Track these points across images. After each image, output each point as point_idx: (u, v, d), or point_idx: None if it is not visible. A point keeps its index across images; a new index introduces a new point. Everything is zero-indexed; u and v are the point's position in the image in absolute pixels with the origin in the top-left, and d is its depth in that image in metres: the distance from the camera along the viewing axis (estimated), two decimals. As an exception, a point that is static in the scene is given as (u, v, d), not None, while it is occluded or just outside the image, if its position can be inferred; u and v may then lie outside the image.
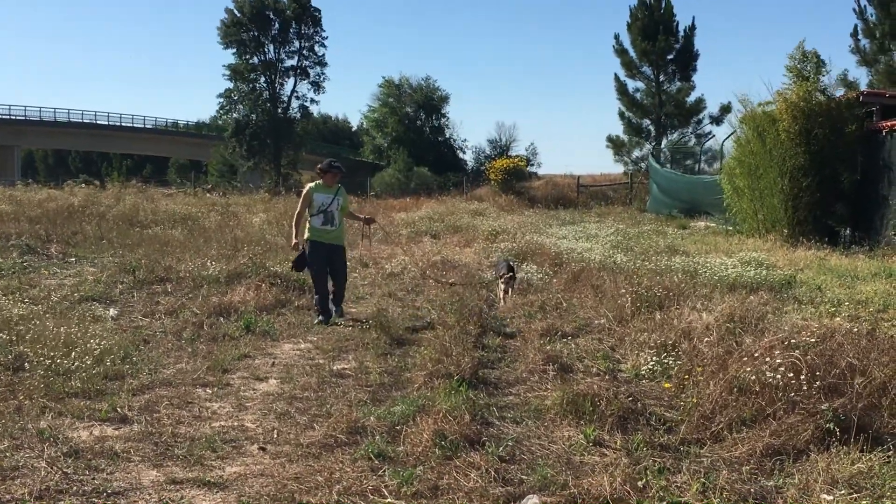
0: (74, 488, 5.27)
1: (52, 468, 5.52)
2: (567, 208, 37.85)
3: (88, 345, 8.54)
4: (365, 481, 5.39)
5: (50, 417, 6.69)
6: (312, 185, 11.76)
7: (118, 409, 6.94)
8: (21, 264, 15.67)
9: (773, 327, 8.74)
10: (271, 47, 66.60)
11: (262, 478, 5.56)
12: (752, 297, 11.04)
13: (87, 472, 5.57)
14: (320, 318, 11.19)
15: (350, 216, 12.51)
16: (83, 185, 40.18)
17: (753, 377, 6.55)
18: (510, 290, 12.79)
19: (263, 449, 6.19)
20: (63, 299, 11.85)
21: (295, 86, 67.87)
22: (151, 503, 5.12)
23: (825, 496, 4.91)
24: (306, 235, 11.53)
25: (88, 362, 8.00)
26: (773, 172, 20.56)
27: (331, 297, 11.63)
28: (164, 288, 13.24)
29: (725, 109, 49.16)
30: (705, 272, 13.81)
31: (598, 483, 5.16)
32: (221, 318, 10.91)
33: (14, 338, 8.80)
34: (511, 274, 12.96)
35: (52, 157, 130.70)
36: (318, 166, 11.83)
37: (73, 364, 7.91)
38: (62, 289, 12.86)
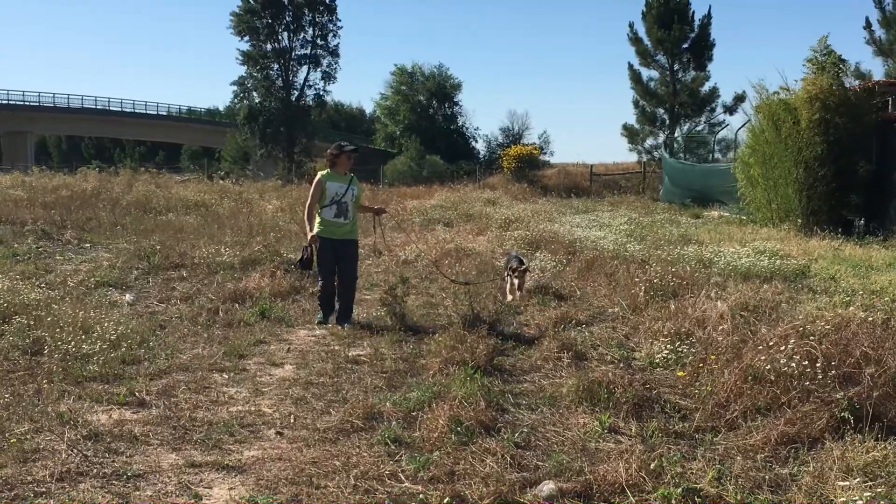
0: (94, 471, 5.33)
1: (72, 451, 5.59)
2: (580, 197, 37.80)
3: (105, 330, 8.60)
4: (382, 466, 5.44)
5: (69, 401, 6.76)
6: (324, 172, 10.48)
7: (136, 394, 7.02)
8: (36, 250, 15.77)
9: (787, 317, 8.75)
10: (285, 35, 66.50)
11: (279, 462, 5.61)
12: (765, 286, 11.04)
13: (107, 455, 5.63)
14: (321, 315, 10.44)
15: (362, 209, 11.08)
16: (96, 170, 40.33)
17: (768, 366, 6.57)
18: (522, 285, 11.97)
19: (281, 433, 6.25)
20: (79, 284, 11.93)
21: (308, 74, 67.80)
22: (171, 486, 5.17)
23: (840, 482, 4.93)
24: (317, 229, 10.29)
25: (106, 347, 8.08)
26: (788, 161, 20.50)
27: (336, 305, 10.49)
28: (179, 274, 13.31)
29: (739, 99, 48.93)
30: (719, 261, 13.80)
31: (614, 469, 5.19)
32: (237, 305, 10.96)
33: (32, 322, 8.88)
34: (525, 267, 12.09)
35: (65, 143, 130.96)
36: (329, 150, 10.69)
37: (90, 349, 7.99)
38: (78, 274, 12.94)
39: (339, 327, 10.05)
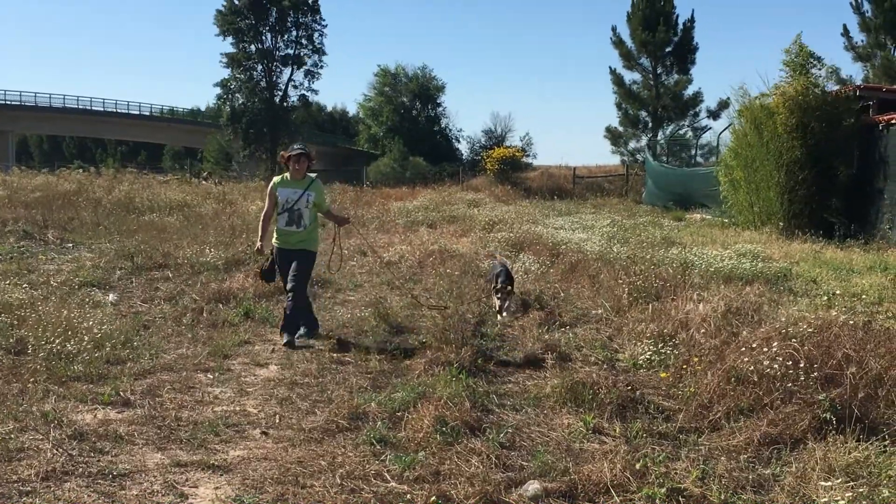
0: (80, 470, 5.33)
1: (57, 450, 5.59)
2: (563, 199, 37.82)
3: (89, 330, 8.57)
4: (367, 466, 5.47)
5: (53, 400, 6.76)
6: (277, 178, 9.77)
7: (121, 393, 7.02)
8: (18, 249, 15.71)
9: (769, 319, 8.81)
10: (268, 36, 66.41)
11: (265, 461, 5.63)
12: (748, 288, 11.11)
13: (93, 455, 5.63)
14: (286, 335, 9.33)
15: (326, 215, 10.22)
16: (79, 170, 40.17)
17: (751, 367, 6.62)
18: (508, 303, 10.92)
19: (266, 433, 6.27)
20: (62, 284, 11.89)
21: (292, 74, 67.71)
22: (157, 485, 5.18)
23: (823, 483, 4.98)
24: (273, 240, 9.70)
25: (90, 347, 8.06)
26: (770, 165, 20.63)
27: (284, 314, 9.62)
28: (162, 274, 13.28)
29: (723, 105, 49.24)
30: (701, 264, 13.86)
31: (599, 469, 5.23)
32: (220, 305, 10.95)
33: (15, 322, 8.87)
34: (508, 287, 10.95)
35: (46, 142, 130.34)
36: (281, 153, 9.95)
37: (74, 348, 7.96)
38: (61, 274, 12.90)
39: (295, 338, 9.37)
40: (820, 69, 21.38)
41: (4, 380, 7.24)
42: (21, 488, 5.01)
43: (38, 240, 17.58)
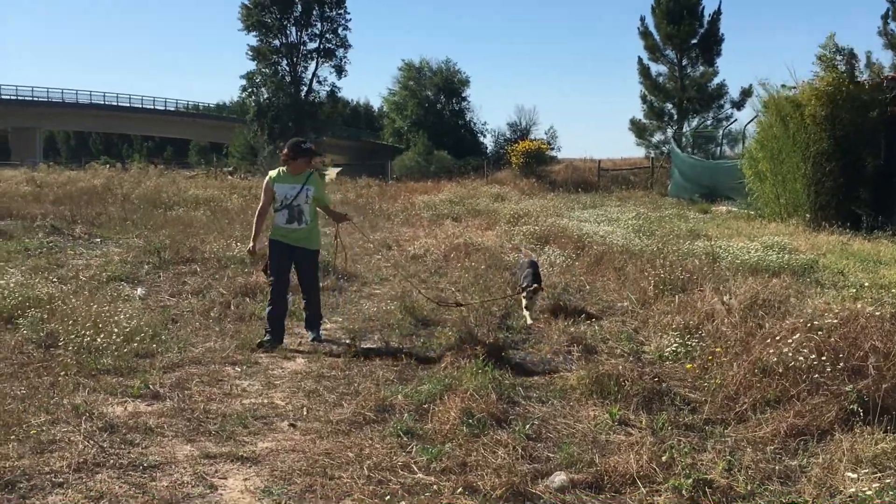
0: (111, 461, 5.39)
1: (88, 442, 5.65)
2: (588, 192, 37.76)
3: (118, 323, 8.65)
4: (394, 457, 5.50)
5: (84, 393, 6.82)
6: (273, 173, 9.27)
7: (150, 386, 7.08)
8: (47, 244, 15.84)
9: (795, 310, 8.78)
10: (293, 30, 66.60)
11: (293, 453, 5.67)
12: (774, 280, 11.06)
13: (123, 447, 5.69)
14: (267, 337, 8.93)
15: (325, 210, 9.52)
16: (106, 166, 40.46)
17: (777, 359, 6.61)
18: (532, 306, 10.36)
19: (294, 425, 6.31)
20: (91, 279, 11.98)
21: (317, 69, 67.91)
22: (186, 476, 5.23)
23: (850, 474, 4.97)
24: (270, 233, 9.23)
25: (119, 340, 8.13)
26: (796, 157, 20.53)
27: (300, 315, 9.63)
28: (189, 268, 13.35)
29: (747, 93, 49.13)
30: (727, 256, 13.82)
31: (625, 461, 5.24)
32: (247, 299, 11.01)
33: (46, 316, 8.95)
34: (536, 286, 10.34)
35: (73, 138, 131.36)
36: (284, 148, 9.35)
37: (104, 342, 8.04)
38: (89, 269, 13.01)
39: (310, 339, 9.19)
40: (841, 62, 21.26)
41: (36, 373, 7.33)
42: (54, 479, 5.07)
43: (67, 235, 17.72)
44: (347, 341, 9.04)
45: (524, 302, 10.33)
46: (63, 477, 5.11)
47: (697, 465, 5.26)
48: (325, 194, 9.59)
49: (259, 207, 9.26)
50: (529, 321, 10.05)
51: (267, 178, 9.27)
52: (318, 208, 9.33)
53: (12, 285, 9.79)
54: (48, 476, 5.12)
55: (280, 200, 8.99)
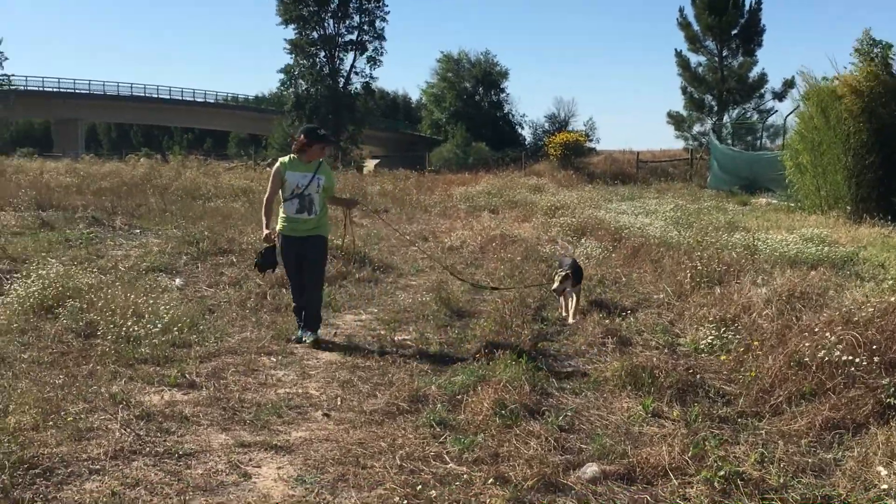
0: (147, 449, 5.46)
1: (125, 430, 5.73)
2: (626, 184, 37.66)
3: (156, 313, 8.76)
4: (427, 448, 5.52)
5: (122, 382, 6.91)
6: (285, 159, 8.84)
7: (186, 375, 7.15)
8: (88, 235, 16.00)
9: (833, 303, 8.70)
10: (331, 22, 66.76)
11: (326, 443, 5.72)
12: (812, 273, 10.97)
13: (159, 435, 5.77)
14: (300, 330, 8.82)
15: (333, 200, 9.26)
16: (146, 158, 40.80)
17: (813, 352, 6.56)
18: (573, 295, 9.87)
19: (328, 415, 6.36)
20: (130, 269, 12.11)
21: (354, 61, 68.07)
22: (221, 465, 5.29)
23: (881, 469, 4.93)
24: (278, 226, 8.81)
25: (157, 330, 8.22)
26: (837, 149, 20.34)
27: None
28: (227, 259, 13.44)
29: (789, 85, 48.65)
30: (765, 248, 13.72)
31: (657, 452, 5.23)
32: (284, 290, 11.03)
33: (85, 306, 9.05)
34: (577, 286, 9.91)
35: (114, 130, 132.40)
36: (298, 136, 8.92)
37: (142, 331, 8.14)
38: (128, 259, 13.15)
39: (304, 339, 8.67)
40: (892, 58, 21.01)
41: (75, 362, 7.43)
42: (91, 466, 5.15)
43: (107, 226, 17.90)
44: (383, 332, 9.09)
45: (554, 284, 9.83)
46: (100, 464, 5.18)
47: (730, 457, 5.23)
48: (334, 184, 9.19)
49: (266, 196, 8.76)
50: (564, 314, 9.81)
51: (277, 163, 8.84)
52: (326, 200, 8.93)
53: (53, 276, 9.90)
54: (85, 463, 5.19)
55: (291, 189, 8.60)
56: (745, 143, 41.26)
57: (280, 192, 8.69)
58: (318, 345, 8.51)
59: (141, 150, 61.18)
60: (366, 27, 67.69)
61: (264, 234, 8.69)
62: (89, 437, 5.63)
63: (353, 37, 67.63)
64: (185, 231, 15.95)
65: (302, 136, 8.75)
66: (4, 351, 7.71)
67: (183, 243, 14.64)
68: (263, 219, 8.72)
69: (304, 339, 8.64)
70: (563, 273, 9.76)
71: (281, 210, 8.74)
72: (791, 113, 26.26)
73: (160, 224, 18.32)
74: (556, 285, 9.77)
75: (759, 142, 40.91)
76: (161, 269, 12.56)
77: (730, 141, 41.40)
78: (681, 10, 53.20)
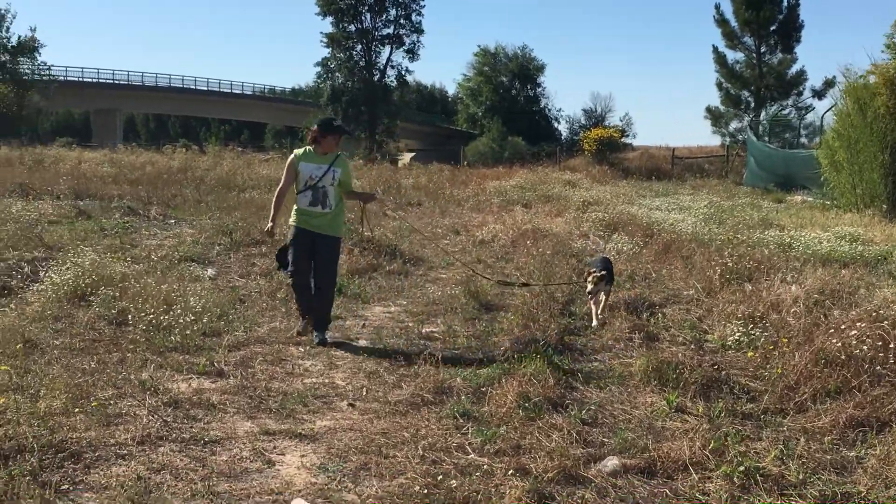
0: (174, 435, 5.56)
1: (153, 416, 5.83)
2: (661, 180, 37.49)
3: (187, 303, 8.84)
4: (449, 438, 5.57)
5: (151, 369, 7.01)
6: (299, 151, 8.62)
7: (215, 364, 7.26)
8: (123, 224, 16.17)
9: (864, 302, 8.66)
10: (368, 15, 66.93)
11: (350, 432, 5.79)
12: (844, 271, 10.90)
13: (186, 421, 5.86)
14: (302, 324, 8.61)
15: (350, 195, 8.92)
16: (183, 149, 41.10)
17: (839, 349, 6.54)
18: (602, 294, 9.49)
19: (353, 405, 6.42)
20: (163, 259, 12.21)
21: (391, 54, 68.23)
22: (245, 452, 5.36)
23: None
24: (291, 219, 8.59)
25: (187, 319, 8.29)
26: (874, 146, 20.15)
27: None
28: (259, 250, 13.52)
29: (829, 83, 48.06)
30: (798, 246, 13.64)
31: (678, 447, 5.25)
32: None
33: (117, 294, 9.17)
34: (603, 272, 9.43)
35: (153, 121, 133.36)
36: (313, 126, 8.67)
37: (172, 320, 8.22)
38: (162, 249, 13.27)
39: (314, 339, 8.39)
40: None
41: (106, 349, 7.56)
42: (118, 451, 5.24)
43: (142, 215, 18.06)
44: (410, 324, 9.15)
45: (589, 287, 9.43)
46: (127, 449, 5.28)
47: (750, 452, 5.24)
48: (351, 178, 8.93)
49: (279, 188, 8.62)
50: (595, 322, 9.20)
51: (292, 155, 8.63)
52: (343, 195, 8.65)
53: (87, 264, 10.03)
54: (113, 447, 5.29)
55: (304, 181, 8.35)
56: (781, 141, 40.88)
57: (294, 184, 8.49)
58: (325, 344, 8.25)
59: (178, 140, 61.72)
60: (402, 20, 67.81)
61: (267, 227, 8.69)
62: (117, 423, 5.73)
63: (390, 30, 67.81)
64: (219, 221, 16.07)
65: (316, 126, 8.55)
66: (38, 337, 7.84)
67: (216, 233, 14.76)
68: (272, 210, 8.66)
69: (310, 334, 8.45)
70: (598, 274, 9.39)
71: (295, 203, 8.51)
72: (829, 110, 26.08)
73: (195, 214, 18.47)
74: (590, 287, 9.39)
75: (796, 139, 40.56)
76: (194, 258, 12.68)
77: (767, 138, 41.03)
78: (717, 7, 52.85)
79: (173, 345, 7.75)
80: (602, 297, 9.53)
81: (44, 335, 7.95)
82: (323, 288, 8.53)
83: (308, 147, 8.53)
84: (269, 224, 8.65)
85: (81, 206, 18.35)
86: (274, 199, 8.62)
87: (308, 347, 8.09)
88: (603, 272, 9.46)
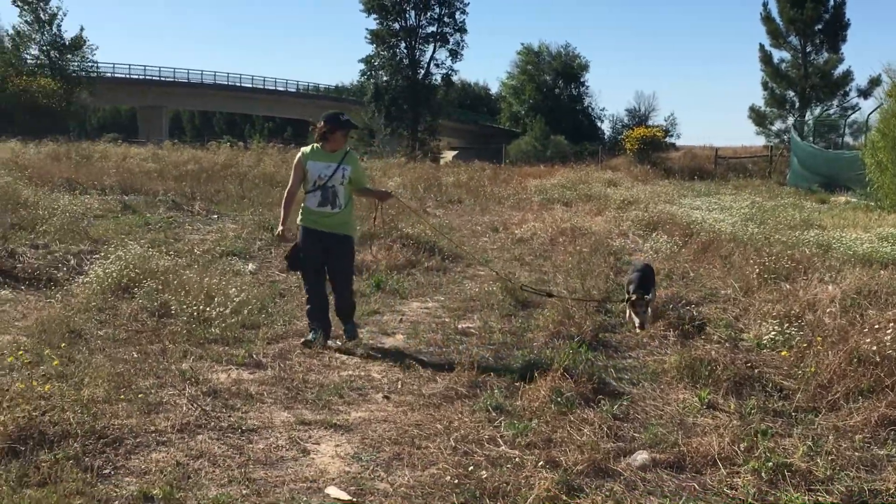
0: (212, 424, 5.70)
1: (192, 405, 5.97)
2: (703, 180, 37.25)
3: (228, 296, 9.00)
4: (481, 431, 5.66)
5: (191, 360, 7.19)
6: (306, 149, 8.20)
7: (254, 356, 7.41)
8: (167, 219, 16.39)
9: (902, 302, 8.63)
10: (412, 13, 67.11)
11: (384, 423, 5.90)
12: (883, 272, 10.85)
13: (224, 410, 6.00)
14: (311, 335, 8.04)
15: (364, 193, 8.64)
16: (227, 145, 41.43)
17: (874, 348, 6.55)
18: (645, 314, 8.84)
19: (388, 397, 6.53)
20: (205, 253, 12.40)
21: (434, 52, 68.37)
22: (282, 440, 5.50)
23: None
24: (299, 219, 8.20)
25: (228, 312, 8.45)
26: (918, 147, 19.96)
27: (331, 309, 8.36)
28: (299, 246, 13.64)
29: (875, 82, 47.49)
30: (839, 246, 13.56)
31: (708, 442, 5.30)
32: (353, 276, 11.24)
33: (160, 287, 9.34)
34: (647, 297, 8.83)
35: (198, 118, 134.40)
36: (319, 122, 8.18)
37: (213, 313, 8.39)
38: (204, 243, 13.46)
39: (345, 335, 8.26)
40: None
41: (148, 340, 7.73)
42: (158, 438, 5.39)
43: (186, 210, 18.27)
44: (447, 319, 9.24)
45: (628, 313, 9.16)
46: (166, 436, 5.43)
47: (779, 449, 5.27)
48: (363, 175, 8.50)
49: (288, 188, 8.19)
50: (639, 330, 8.74)
51: (299, 154, 8.18)
52: (356, 193, 8.37)
53: (131, 258, 10.21)
54: (153, 435, 5.44)
55: (313, 181, 7.95)
56: (826, 141, 40.53)
57: (302, 185, 8.12)
58: (355, 337, 8.18)
59: (223, 137, 62.14)
60: (446, 19, 67.89)
61: (278, 230, 8.33)
62: (158, 411, 5.88)
63: (434, 28, 67.94)
64: (261, 217, 16.23)
65: (323, 122, 8.06)
66: (82, 328, 8.05)
67: (258, 229, 14.93)
68: (282, 213, 8.26)
69: (317, 346, 7.91)
70: (635, 299, 8.81)
71: (303, 203, 8.14)
72: (874, 110, 25.81)
73: (237, 210, 18.64)
74: (628, 314, 9.10)
75: (841, 139, 40.17)
76: (235, 253, 12.86)
77: (811, 138, 40.69)
78: (764, 5, 52.44)
79: (213, 336, 7.92)
80: (648, 311, 8.96)
81: (88, 326, 8.16)
82: (340, 289, 8.27)
83: (315, 144, 8.14)
84: (280, 228, 8.24)
85: (127, 201, 18.59)
86: (283, 202, 8.24)
87: (346, 341, 8.18)
88: (643, 294, 8.84)
